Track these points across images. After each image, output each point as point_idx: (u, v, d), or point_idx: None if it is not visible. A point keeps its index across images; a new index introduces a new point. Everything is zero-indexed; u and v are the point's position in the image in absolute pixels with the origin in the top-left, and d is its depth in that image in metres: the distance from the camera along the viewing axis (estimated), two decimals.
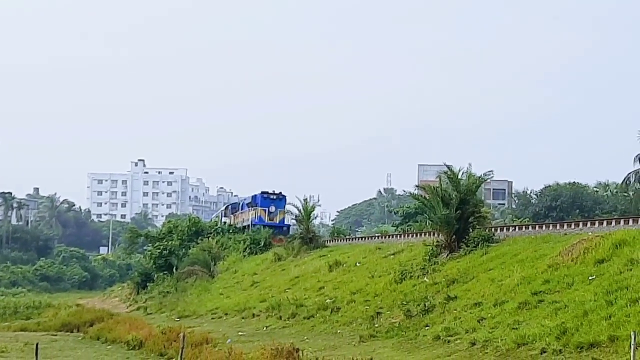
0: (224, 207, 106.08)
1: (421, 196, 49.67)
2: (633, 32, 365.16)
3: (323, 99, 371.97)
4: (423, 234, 51.00)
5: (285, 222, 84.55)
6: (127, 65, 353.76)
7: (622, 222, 39.63)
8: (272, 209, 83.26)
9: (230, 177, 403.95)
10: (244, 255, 70.93)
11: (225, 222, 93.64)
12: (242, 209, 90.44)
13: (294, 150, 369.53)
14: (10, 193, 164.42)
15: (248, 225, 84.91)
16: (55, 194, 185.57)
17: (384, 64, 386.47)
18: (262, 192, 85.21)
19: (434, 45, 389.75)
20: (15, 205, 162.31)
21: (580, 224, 42.20)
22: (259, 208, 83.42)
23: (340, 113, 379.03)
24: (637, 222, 38.23)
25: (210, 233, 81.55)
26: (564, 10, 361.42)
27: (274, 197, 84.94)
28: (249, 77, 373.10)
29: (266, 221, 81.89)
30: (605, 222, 41.12)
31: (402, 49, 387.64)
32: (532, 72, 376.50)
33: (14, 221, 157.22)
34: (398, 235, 56.06)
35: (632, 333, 21.74)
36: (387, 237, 57.26)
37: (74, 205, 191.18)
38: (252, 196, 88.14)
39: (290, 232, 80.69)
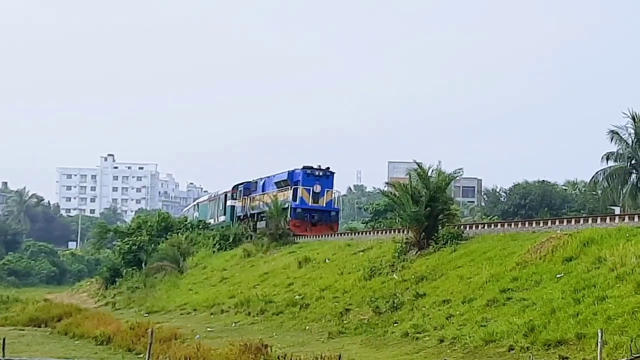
0: (232, 187, 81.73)
1: (391, 193, 49.78)
2: (608, 31, 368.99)
3: (292, 87, 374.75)
4: (392, 231, 51.05)
5: (335, 205, 68.62)
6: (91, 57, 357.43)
7: (590, 220, 39.78)
8: (317, 188, 65.79)
9: (197, 166, 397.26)
10: (214, 251, 70.75)
11: (231, 207, 79.71)
12: (263, 190, 73.40)
13: (267, 141, 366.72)
14: None
15: (263, 212, 70.51)
16: (24, 188, 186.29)
17: (349, 56, 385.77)
18: (305, 167, 67.54)
19: (400, 37, 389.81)
20: None
21: (549, 222, 42.36)
22: (301, 187, 65.80)
23: (308, 103, 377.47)
24: (605, 221, 38.39)
25: (180, 229, 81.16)
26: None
27: (320, 173, 67.33)
28: (212, 62, 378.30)
29: (309, 204, 65.70)
30: (573, 221, 41.26)
31: (365, 40, 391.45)
32: (501, 67, 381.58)
33: None
34: (367, 232, 56.15)
35: (599, 331, 21.86)
36: (356, 233, 57.39)
37: (43, 199, 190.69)
38: (289, 172, 68.86)
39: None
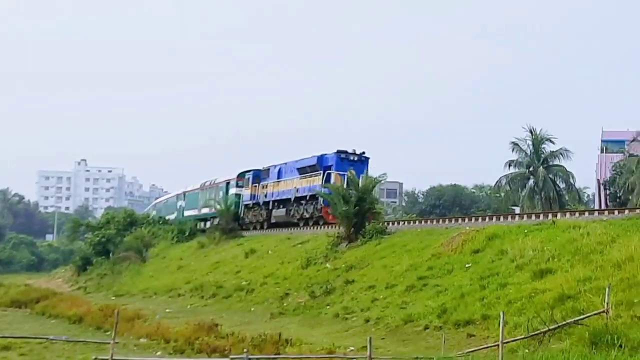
0: (236, 175, 68.42)
1: (325, 194, 49.65)
2: (522, 65, 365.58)
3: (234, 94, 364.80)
4: (326, 226, 50.98)
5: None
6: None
7: (494, 218, 40.08)
8: (352, 173, 49.39)
9: (157, 167, 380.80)
10: (172, 243, 70.39)
11: (236, 195, 66.81)
12: (279, 177, 59.92)
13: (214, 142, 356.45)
14: None
15: (281, 200, 58.60)
16: (8, 188, 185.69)
17: (291, 69, 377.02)
18: (338, 151, 53.50)
19: (341, 54, 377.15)
20: None
21: (460, 219, 42.66)
22: (334, 172, 51.26)
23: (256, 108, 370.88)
24: (507, 219, 38.71)
25: (143, 223, 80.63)
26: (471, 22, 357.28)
27: (355, 158, 53.26)
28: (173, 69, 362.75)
29: None
30: (480, 219, 41.57)
31: (307, 57, 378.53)
32: (429, 85, 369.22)
33: None
34: (305, 227, 56.01)
35: (501, 313, 21.91)
36: (295, 228, 57.27)
37: (24, 198, 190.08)
38: (319, 157, 54.71)
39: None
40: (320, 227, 51.42)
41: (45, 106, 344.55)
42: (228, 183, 69.66)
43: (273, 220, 59.13)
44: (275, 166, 60.97)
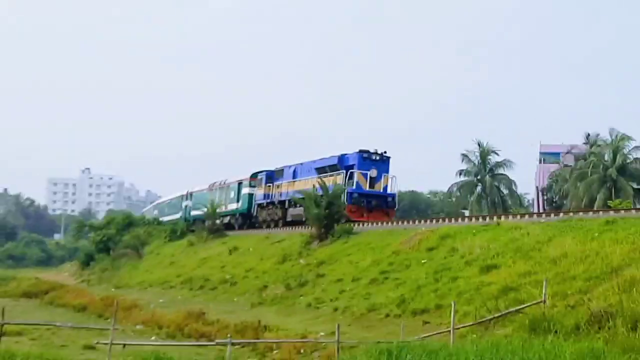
0: (249, 176, 62.30)
1: (300, 199, 49.50)
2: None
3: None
4: (301, 227, 50.83)
5: (390, 191, 48.66)
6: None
7: (446, 220, 40.19)
8: (374, 173, 47.07)
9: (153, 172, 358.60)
10: (165, 242, 69.90)
11: (249, 194, 61.20)
12: (294, 177, 54.36)
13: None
14: None
15: (289, 201, 53.11)
16: (20, 193, 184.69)
17: (274, 81, 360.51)
18: (361, 151, 48.23)
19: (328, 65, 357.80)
20: None
21: (417, 221, 42.63)
22: (357, 171, 46.88)
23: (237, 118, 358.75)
24: (458, 221, 38.87)
25: (139, 224, 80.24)
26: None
27: (377, 157, 48.07)
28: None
29: (366, 189, 46.88)
30: (434, 220, 41.68)
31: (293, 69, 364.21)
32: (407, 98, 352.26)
33: None
34: (281, 228, 55.74)
35: (452, 302, 21.97)
36: (272, 228, 57.05)
37: (35, 202, 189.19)
38: (339, 157, 49.58)
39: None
40: (295, 228, 51.20)
41: (53, 117, 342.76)
42: (240, 183, 63.80)
43: (289, 219, 53.39)
44: (289, 166, 55.82)
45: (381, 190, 47.15)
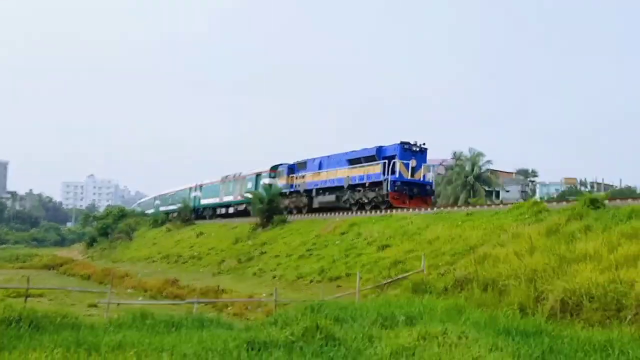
0: (269, 169, 51.93)
1: (248, 197, 49.28)
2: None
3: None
4: (249, 217, 50.50)
5: (429, 180, 39.68)
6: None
7: (354, 212, 40.09)
8: (414, 163, 38.05)
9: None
10: (149, 228, 68.79)
11: (269, 185, 49.29)
12: (320, 168, 44.77)
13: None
14: (16, 192, 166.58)
15: (325, 188, 43.71)
16: (41, 192, 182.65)
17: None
18: (402, 142, 38.61)
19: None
20: (18, 199, 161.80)
21: (333, 213, 42.60)
22: (398, 161, 37.43)
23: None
24: (361, 213, 38.76)
25: (130, 216, 78.88)
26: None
27: (417, 149, 38.68)
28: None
29: (407, 177, 37.77)
30: (345, 212, 41.60)
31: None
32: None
33: (17, 208, 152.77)
34: (235, 217, 55.29)
35: (357, 272, 22.14)
36: (229, 218, 56.60)
37: (52, 199, 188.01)
38: (377, 148, 39.68)
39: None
40: (245, 217, 50.82)
41: (67, 135, 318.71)
42: (258, 175, 53.45)
43: (316, 205, 44.67)
44: (313, 159, 46.31)
45: (421, 179, 38.38)
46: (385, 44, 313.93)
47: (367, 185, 39.11)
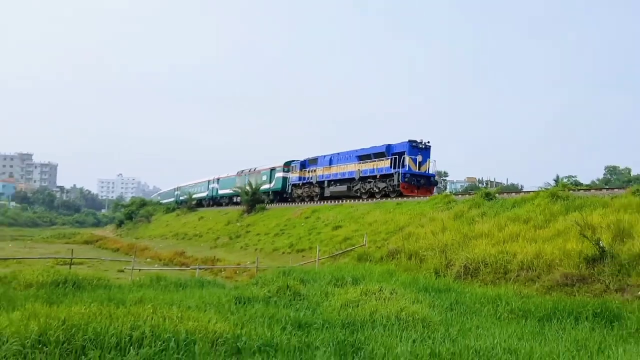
0: (282, 164, 46.87)
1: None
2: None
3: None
4: (239, 205, 49.96)
5: (431, 172, 34.77)
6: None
7: (315, 202, 39.55)
8: (420, 158, 33.86)
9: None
10: (163, 213, 67.55)
11: (283, 178, 46.11)
12: (330, 163, 40.09)
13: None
14: (63, 186, 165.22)
15: (336, 180, 38.81)
16: (82, 187, 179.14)
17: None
18: (410, 141, 34.24)
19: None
20: (65, 192, 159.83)
21: (300, 202, 42.40)
22: (408, 157, 33.34)
23: None
24: (321, 202, 38.29)
25: (150, 204, 77.51)
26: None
27: (422, 146, 34.46)
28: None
29: (415, 170, 33.71)
30: (309, 202, 41.42)
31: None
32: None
33: (64, 198, 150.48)
34: (228, 205, 54.67)
35: (317, 246, 22.10)
36: (223, 206, 55.98)
37: (90, 191, 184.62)
38: (387, 146, 35.36)
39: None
40: (235, 205, 50.26)
41: (101, 140, 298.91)
42: (273, 169, 48.00)
43: (327, 194, 39.94)
44: (324, 156, 41.49)
45: (426, 172, 34.20)
46: (360, 75, 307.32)
47: (377, 177, 35.24)
